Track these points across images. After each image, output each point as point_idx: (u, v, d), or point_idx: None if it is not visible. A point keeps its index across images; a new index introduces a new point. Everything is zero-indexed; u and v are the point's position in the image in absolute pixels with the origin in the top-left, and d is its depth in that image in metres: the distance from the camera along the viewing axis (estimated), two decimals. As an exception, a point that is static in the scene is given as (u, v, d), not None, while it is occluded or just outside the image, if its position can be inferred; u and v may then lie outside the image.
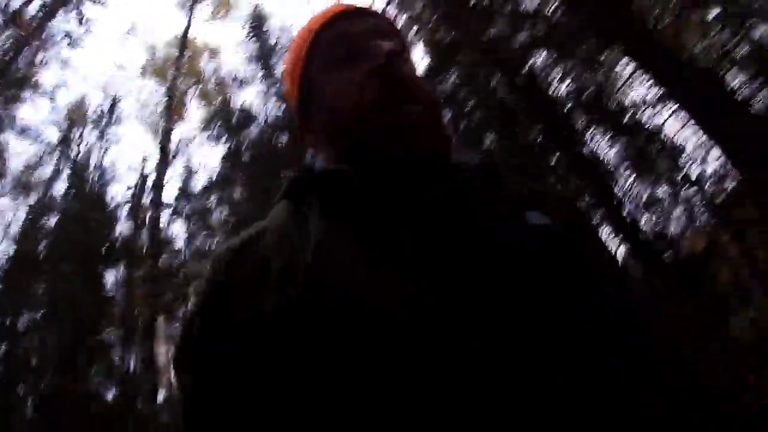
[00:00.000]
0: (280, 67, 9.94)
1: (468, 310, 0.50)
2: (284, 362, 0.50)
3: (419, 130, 0.63)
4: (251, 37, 10.26)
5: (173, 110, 14.80)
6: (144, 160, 14.90)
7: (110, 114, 15.29)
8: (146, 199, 14.43)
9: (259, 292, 0.55)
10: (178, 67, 15.09)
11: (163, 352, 13.81)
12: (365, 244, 0.56)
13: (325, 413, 0.47)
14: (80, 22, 12.58)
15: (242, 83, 10.59)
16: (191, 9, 15.80)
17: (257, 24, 10.22)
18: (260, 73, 10.33)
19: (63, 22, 12.67)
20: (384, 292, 0.51)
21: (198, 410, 0.57)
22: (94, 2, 12.86)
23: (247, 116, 10.83)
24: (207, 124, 12.12)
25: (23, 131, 13.49)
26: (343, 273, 0.53)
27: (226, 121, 11.05)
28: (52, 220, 14.13)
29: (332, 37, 0.72)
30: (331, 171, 0.65)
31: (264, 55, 10.15)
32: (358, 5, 0.77)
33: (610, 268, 0.66)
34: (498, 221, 0.60)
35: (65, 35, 12.79)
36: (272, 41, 10.24)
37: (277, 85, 10.03)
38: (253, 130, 10.70)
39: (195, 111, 15.48)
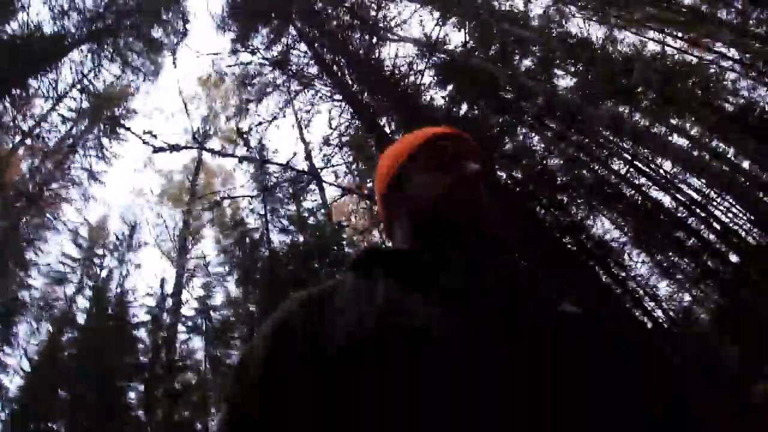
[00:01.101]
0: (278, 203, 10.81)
1: (507, 356, 0.60)
2: (360, 388, 0.57)
3: (483, 232, 0.84)
4: (253, 179, 11.17)
5: (188, 234, 15.56)
6: (162, 282, 15.46)
7: (129, 239, 16.06)
8: (165, 319, 14.86)
9: (329, 333, 0.63)
10: (192, 195, 16.04)
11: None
12: (427, 302, 0.67)
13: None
14: (101, 158, 13.41)
15: (251, 212, 11.36)
16: (201, 144, 16.93)
17: (260, 165, 11.13)
18: (263, 207, 11.15)
19: (84, 157, 13.42)
20: (444, 332, 0.61)
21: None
22: (113, 139, 13.71)
23: (256, 243, 11.53)
24: (221, 252, 12.83)
25: (47, 274, 14.12)
26: (409, 318, 0.63)
27: (239, 247, 11.75)
28: (73, 336, 14.64)
29: (435, 148, 0.92)
30: (403, 250, 0.87)
31: (265, 191, 11.02)
32: (457, 131, 0.97)
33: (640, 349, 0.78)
34: (539, 305, 0.73)
35: (87, 170, 13.58)
36: (272, 179, 11.14)
37: (278, 217, 10.90)
38: (263, 254, 11.38)
39: (210, 234, 16.26)
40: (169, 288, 15.48)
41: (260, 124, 9.86)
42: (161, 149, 8.81)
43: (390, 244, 0.97)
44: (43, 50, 10.98)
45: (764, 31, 8.97)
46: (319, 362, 0.60)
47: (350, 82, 8.90)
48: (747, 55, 9.67)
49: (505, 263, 0.85)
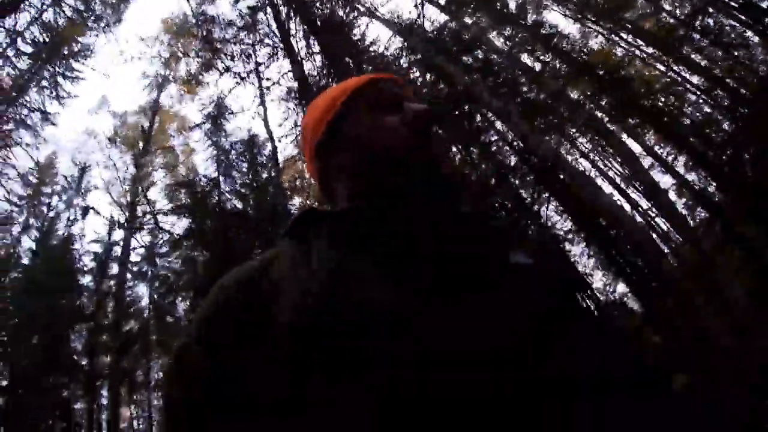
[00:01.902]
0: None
1: (461, 315, 0.55)
2: (307, 365, 0.53)
3: (435, 174, 0.77)
4: (209, 138, 11.00)
5: (140, 178, 15.23)
6: (110, 228, 15.14)
7: (78, 182, 15.59)
8: (111, 266, 14.66)
9: (269, 309, 0.59)
10: (147, 139, 15.56)
11: (126, 417, 14.07)
12: (372, 266, 0.62)
13: (347, 411, 0.49)
14: (55, 98, 12.80)
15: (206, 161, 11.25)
16: (159, 90, 16.37)
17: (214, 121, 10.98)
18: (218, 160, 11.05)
19: (39, 95, 12.78)
20: (390, 301, 0.56)
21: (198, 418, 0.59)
22: (68, 78, 13.07)
23: (208, 190, 11.45)
24: (170, 197, 12.68)
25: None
26: (353, 288, 0.58)
27: (190, 194, 11.63)
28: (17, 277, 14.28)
29: (373, 92, 0.83)
30: (341, 211, 0.78)
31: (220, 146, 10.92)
32: (394, 75, 0.90)
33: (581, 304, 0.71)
34: (489, 256, 0.66)
35: (40, 111, 12.96)
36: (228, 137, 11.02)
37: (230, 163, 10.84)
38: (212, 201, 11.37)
39: (161, 179, 15.81)
40: (117, 235, 15.24)
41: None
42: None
43: (328, 207, 0.87)
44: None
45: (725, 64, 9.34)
46: (260, 347, 0.57)
47: (305, 53, 8.78)
48: (705, 82, 10.12)
49: (461, 208, 0.78)
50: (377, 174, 0.76)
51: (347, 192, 0.80)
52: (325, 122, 0.85)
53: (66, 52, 12.99)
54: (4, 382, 12.71)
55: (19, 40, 11.82)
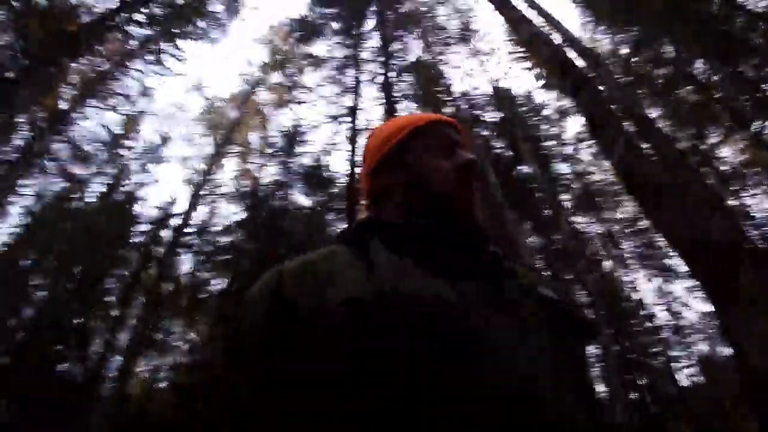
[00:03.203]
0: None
1: (490, 310, 0.67)
2: (353, 344, 0.58)
3: (472, 213, 0.86)
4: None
5: (213, 161, 16.27)
6: (173, 200, 16.19)
7: (156, 150, 16.71)
8: (162, 233, 15.62)
9: (324, 292, 0.65)
10: (230, 127, 16.58)
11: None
12: (420, 266, 0.70)
13: (387, 387, 0.55)
14: (157, 73, 13.62)
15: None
16: (253, 88, 17.40)
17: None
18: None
19: (143, 64, 13.57)
20: (434, 292, 0.65)
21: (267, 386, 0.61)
22: (170, 56, 13.77)
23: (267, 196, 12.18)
24: (235, 195, 13.48)
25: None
26: (402, 279, 0.66)
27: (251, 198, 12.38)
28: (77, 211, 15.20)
29: (436, 132, 0.94)
30: (400, 222, 0.86)
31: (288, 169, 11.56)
32: (456, 120, 1.00)
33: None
34: (523, 286, 0.78)
35: (139, 82, 13.71)
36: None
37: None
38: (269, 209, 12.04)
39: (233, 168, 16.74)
40: (178, 207, 16.13)
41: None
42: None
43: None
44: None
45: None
46: (319, 319, 0.61)
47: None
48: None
49: (492, 248, 0.87)
50: (421, 204, 0.88)
51: (399, 209, 0.90)
52: (389, 144, 0.95)
53: (176, 31, 13.77)
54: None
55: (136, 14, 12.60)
